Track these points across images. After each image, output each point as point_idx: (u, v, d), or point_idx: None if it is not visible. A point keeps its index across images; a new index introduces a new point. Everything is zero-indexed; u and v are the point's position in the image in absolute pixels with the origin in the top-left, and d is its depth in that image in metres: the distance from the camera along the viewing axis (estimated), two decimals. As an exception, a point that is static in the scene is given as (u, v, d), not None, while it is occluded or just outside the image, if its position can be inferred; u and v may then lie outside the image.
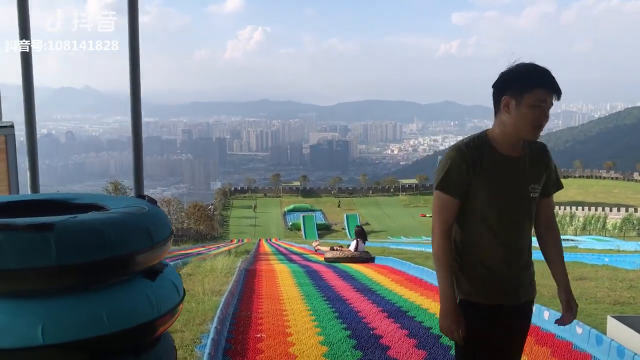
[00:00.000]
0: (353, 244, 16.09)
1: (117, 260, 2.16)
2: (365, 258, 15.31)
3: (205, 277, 9.72)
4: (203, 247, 38.42)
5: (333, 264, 14.75)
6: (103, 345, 2.07)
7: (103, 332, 2.05)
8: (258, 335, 5.48)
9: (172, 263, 14.33)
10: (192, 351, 4.74)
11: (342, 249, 16.72)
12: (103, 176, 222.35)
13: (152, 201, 2.78)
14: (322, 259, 16.69)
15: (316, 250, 20.71)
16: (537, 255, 2.57)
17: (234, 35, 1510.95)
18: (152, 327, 2.29)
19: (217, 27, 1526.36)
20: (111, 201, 2.68)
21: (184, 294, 2.60)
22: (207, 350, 4.29)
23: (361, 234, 16.49)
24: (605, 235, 47.94)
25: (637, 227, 52.20)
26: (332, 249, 17.01)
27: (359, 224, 56.08)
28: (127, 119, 6.88)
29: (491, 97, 2.43)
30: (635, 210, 55.00)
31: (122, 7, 6.65)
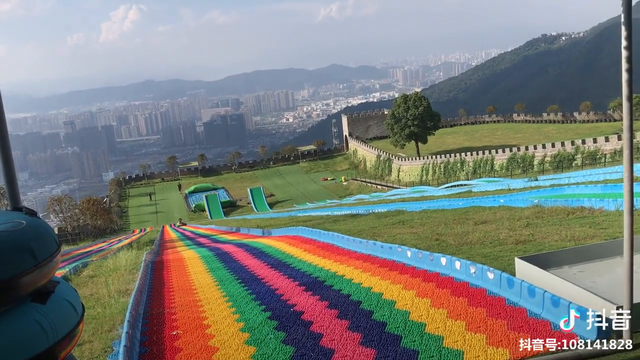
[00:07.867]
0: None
1: (-4, 289, 1.87)
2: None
3: (109, 276, 9.20)
4: (104, 242, 36.77)
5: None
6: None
7: (-11, 375, 1.76)
8: (174, 333, 5.20)
9: (71, 265, 13.46)
10: (104, 363, 4.41)
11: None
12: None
13: (31, 213, 2.44)
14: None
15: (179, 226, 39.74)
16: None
17: (107, 17, 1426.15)
18: (50, 355, 2.02)
19: (87, 9, 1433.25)
20: (-20, 220, 2.31)
21: (83, 310, 2.33)
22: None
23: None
24: (495, 176, 51.11)
25: (521, 165, 56.06)
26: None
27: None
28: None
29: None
30: (518, 149, 58.80)
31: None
